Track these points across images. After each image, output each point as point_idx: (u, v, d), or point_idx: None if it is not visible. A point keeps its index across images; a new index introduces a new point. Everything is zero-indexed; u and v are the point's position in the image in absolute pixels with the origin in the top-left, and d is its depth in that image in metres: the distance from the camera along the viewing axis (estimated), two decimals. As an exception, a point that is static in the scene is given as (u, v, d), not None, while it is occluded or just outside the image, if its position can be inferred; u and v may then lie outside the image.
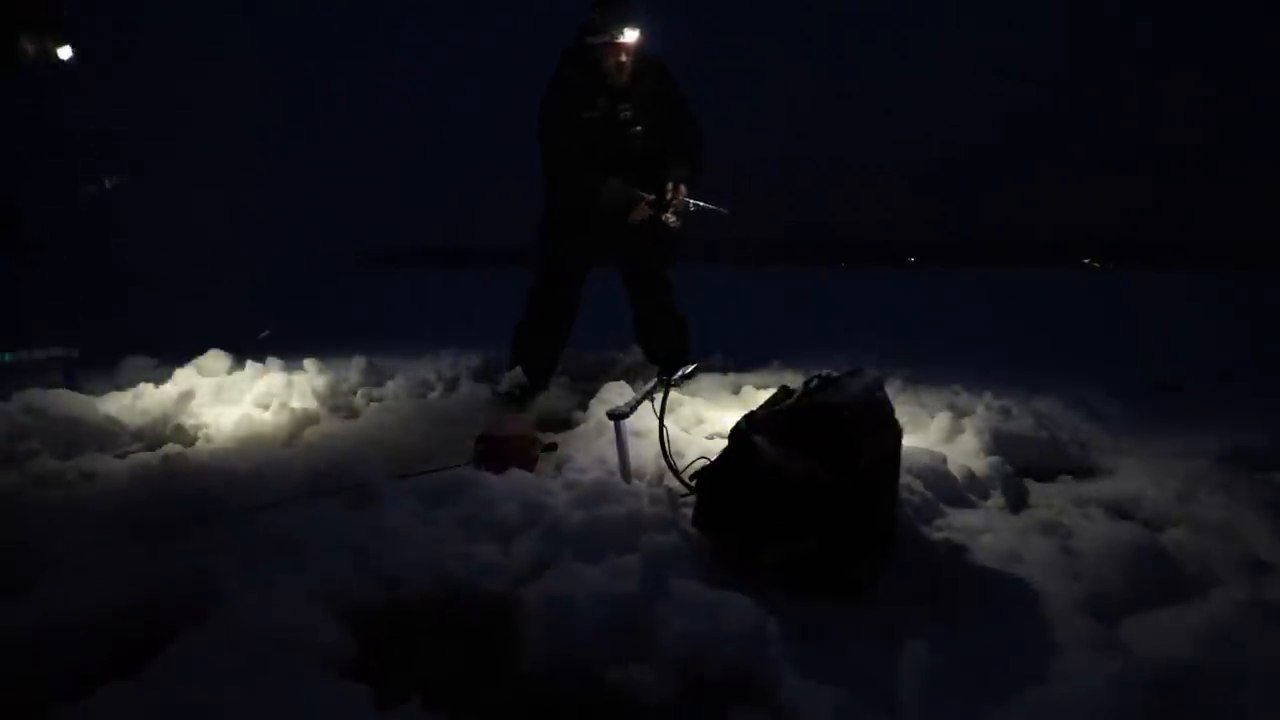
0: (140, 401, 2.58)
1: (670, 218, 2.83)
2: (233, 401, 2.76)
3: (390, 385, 3.17)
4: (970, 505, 1.81)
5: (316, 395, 2.86)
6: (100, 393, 2.71)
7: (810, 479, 1.30)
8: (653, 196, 2.82)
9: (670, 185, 2.85)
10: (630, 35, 2.73)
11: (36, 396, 2.30)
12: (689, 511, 1.50)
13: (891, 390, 2.68)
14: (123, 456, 2.14)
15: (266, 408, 2.67)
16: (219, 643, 1.04)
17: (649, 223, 2.99)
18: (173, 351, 3.27)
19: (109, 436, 2.28)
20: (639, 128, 2.85)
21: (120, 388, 2.82)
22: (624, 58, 2.77)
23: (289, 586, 1.24)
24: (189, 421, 2.49)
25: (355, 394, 3.07)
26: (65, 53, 2.31)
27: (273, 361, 3.21)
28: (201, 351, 3.15)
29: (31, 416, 2.21)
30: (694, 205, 2.87)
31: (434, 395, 3.13)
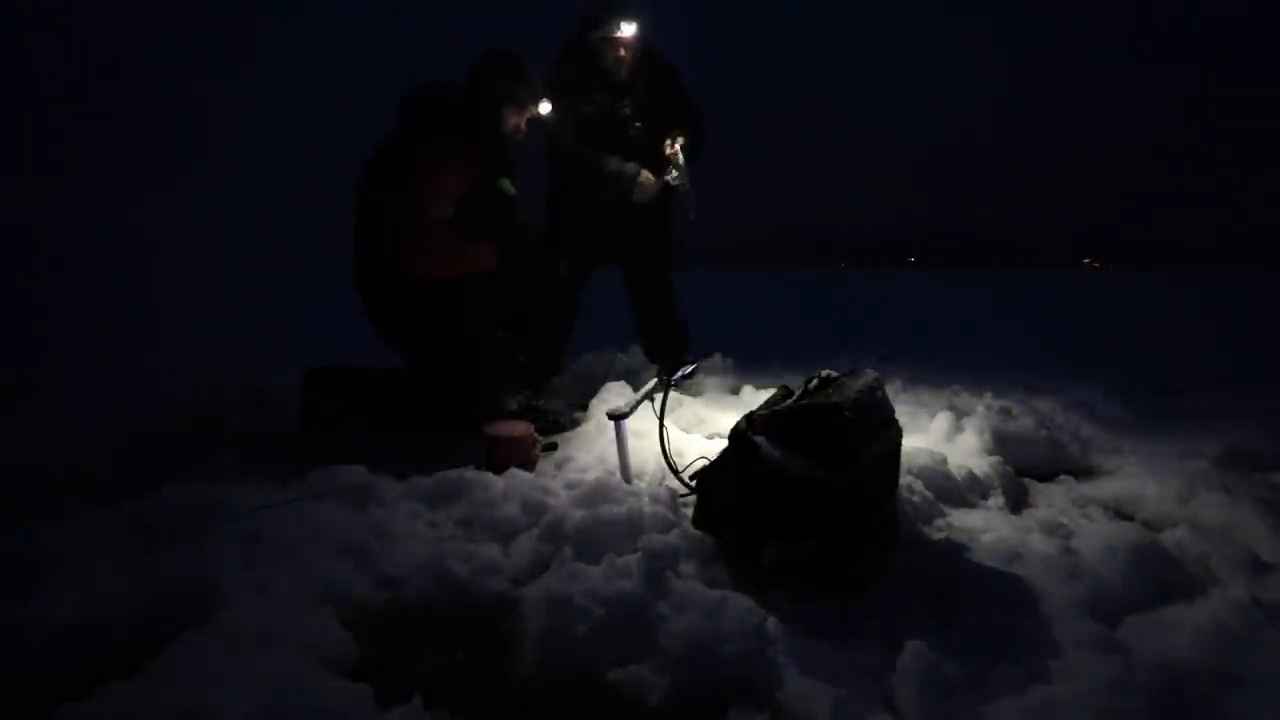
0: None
1: (674, 173, 2.78)
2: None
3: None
4: (970, 505, 1.81)
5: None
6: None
7: (810, 479, 1.30)
8: (653, 178, 2.79)
9: (668, 141, 2.80)
10: (628, 30, 2.69)
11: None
12: (689, 511, 1.50)
13: (891, 390, 2.68)
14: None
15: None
16: (219, 643, 1.04)
17: (650, 224, 2.98)
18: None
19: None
20: (638, 124, 2.84)
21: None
22: (623, 53, 2.74)
23: (289, 587, 1.24)
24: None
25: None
26: (545, 108, 2.44)
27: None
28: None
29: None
30: (685, 184, 2.82)
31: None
